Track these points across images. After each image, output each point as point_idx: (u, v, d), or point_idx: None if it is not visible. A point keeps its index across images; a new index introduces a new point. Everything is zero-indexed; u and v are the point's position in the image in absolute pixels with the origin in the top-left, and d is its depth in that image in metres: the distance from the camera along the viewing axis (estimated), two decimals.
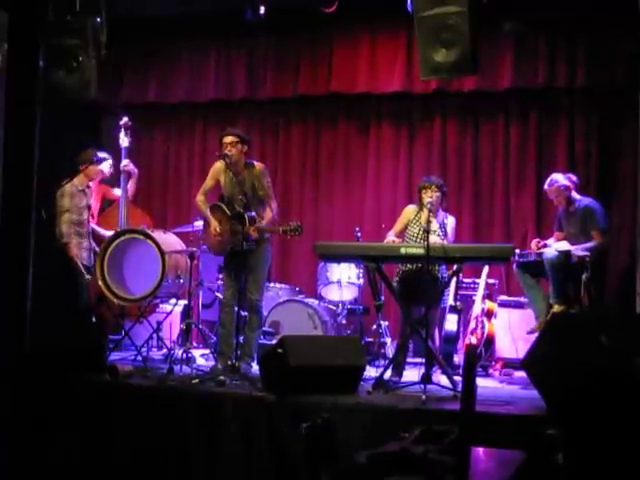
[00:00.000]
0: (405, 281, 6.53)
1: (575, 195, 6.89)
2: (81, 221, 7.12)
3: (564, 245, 6.71)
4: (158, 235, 7.08)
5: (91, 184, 7.31)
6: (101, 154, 7.40)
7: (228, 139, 6.63)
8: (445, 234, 6.58)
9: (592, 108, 8.09)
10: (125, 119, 7.65)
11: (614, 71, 7.57)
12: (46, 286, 6.86)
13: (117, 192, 7.59)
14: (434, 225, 6.48)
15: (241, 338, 6.62)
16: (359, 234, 7.72)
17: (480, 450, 4.03)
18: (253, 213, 6.41)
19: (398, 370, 6.42)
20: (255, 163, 6.80)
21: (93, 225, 7.35)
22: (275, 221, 6.60)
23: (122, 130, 7.61)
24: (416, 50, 6.58)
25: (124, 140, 7.57)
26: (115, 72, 8.73)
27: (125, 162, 7.50)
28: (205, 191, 6.81)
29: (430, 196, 6.52)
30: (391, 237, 6.60)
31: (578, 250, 6.61)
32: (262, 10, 7.68)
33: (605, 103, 7.96)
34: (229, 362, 6.38)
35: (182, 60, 8.96)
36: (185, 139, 9.44)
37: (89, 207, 7.22)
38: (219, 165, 6.76)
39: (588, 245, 6.65)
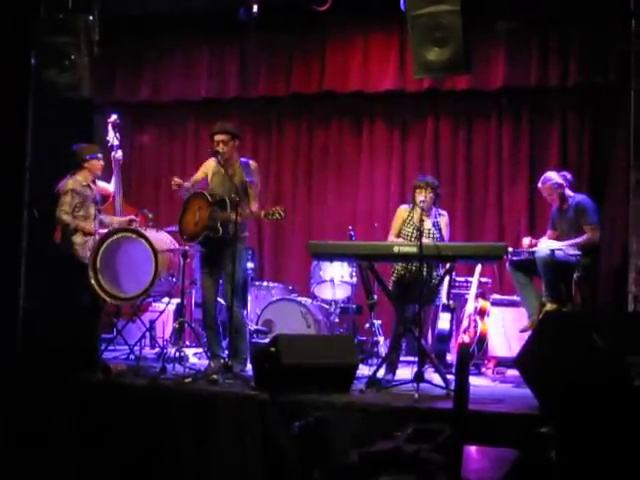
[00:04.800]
0: (400, 282, 6.55)
1: (568, 193, 6.90)
2: (86, 217, 7.05)
3: (555, 243, 6.73)
4: (151, 234, 7.07)
5: (95, 179, 7.25)
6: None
7: (220, 137, 6.60)
8: (440, 233, 6.60)
9: (584, 107, 8.10)
10: (114, 117, 7.64)
11: (606, 70, 7.56)
12: (40, 284, 6.85)
13: (108, 187, 7.58)
14: (427, 224, 6.49)
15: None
16: (352, 233, 7.72)
17: (473, 448, 4.04)
18: (237, 199, 6.32)
19: (391, 368, 6.43)
20: (250, 161, 6.80)
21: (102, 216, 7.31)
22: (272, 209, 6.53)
23: (111, 128, 7.60)
24: (409, 49, 6.57)
25: (113, 138, 7.57)
26: (107, 70, 8.71)
27: (119, 153, 7.51)
28: (194, 181, 6.81)
29: (424, 196, 6.54)
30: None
31: (569, 247, 6.63)
32: (255, 8, 7.67)
33: (597, 102, 7.97)
34: (222, 361, 6.38)
35: (175, 58, 8.94)
36: (178, 137, 9.43)
37: (96, 202, 7.15)
38: (211, 162, 6.76)
39: (579, 240, 6.66)
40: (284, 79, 8.69)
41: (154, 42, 8.93)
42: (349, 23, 8.43)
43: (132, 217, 7.30)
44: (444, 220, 6.72)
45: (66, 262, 6.99)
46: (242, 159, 6.77)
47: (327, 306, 7.90)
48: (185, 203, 6.72)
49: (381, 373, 6.28)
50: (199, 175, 6.83)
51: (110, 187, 7.58)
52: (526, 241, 6.92)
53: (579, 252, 6.61)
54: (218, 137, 6.59)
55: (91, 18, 6.62)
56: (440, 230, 6.63)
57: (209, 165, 6.79)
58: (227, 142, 6.58)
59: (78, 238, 6.99)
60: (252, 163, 6.81)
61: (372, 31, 8.40)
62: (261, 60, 8.72)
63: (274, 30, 8.53)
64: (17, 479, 5.85)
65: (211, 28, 8.68)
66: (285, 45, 8.68)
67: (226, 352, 6.51)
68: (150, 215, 7.38)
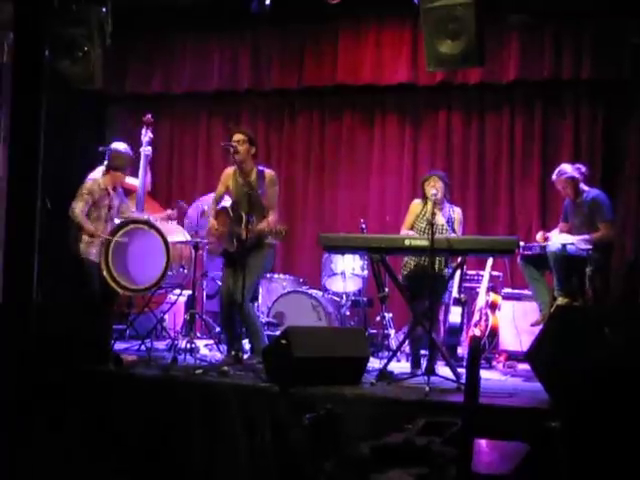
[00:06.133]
0: (411, 275, 6.55)
1: (583, 186, 6.84)
2: (98, 219, 7.01)
3: (568, 238, 6.70)
4: (163, 225, 7.08)
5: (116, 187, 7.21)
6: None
7: (237, 137, 6.62)
8: (452, 229, 6.58)
9: (597, 100, 8.06)
10: (148, 116, 7.69)
11: (619, 63, 7.53)
12: (52, 275, 6.87)
13: (136, 181, 7.60)
14: (440, 219, 6.46)
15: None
16: (363, 225, 7.72)
17: (483, 442, 4.04)
18: (252, 217, 6.40)
19: (416, 365, 6.47)
20: (266, 171, 6.76)
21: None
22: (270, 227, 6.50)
23: (144, 126, 7.63)
24: (422, 41, 6.56)
25: (146, 136, 7.60)
26: (120, 62, 8.72)
27: (148, 149, 7.57)
28: (216, 198, 6.85)
29: (434, 187, 6.51)
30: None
31: (581, 242, 6.60)
32: (267, 0, 7.66)
33: (610, 95, 7.93)
34: (233, 352, 6.42)
35: (187, 50, 8.94)
36: (189, 130, 9.43)
37: (110, 207, 7.02)
38: (229, 171, 6.77)
39: (593, 236, 6.63)
40: (296, 72, 8.68)
41: (166, 34, 8.93)
42: (361, 16, 8.42)
43: (169, 212, 7.36)
44: (458, 217, 6.70)
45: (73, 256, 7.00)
46: (259, 167, 6.76)
47: (338, 299, 7.91)
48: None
49: (392, 366, 6.27)
50: (221, 189, 6.81)
51: (137, 182, 7.60)
52: (540, 236, 6.90)
53: (591, 247, 6.59)
54: (236, 137, 6.63)
55: (104, 9, 6.63)
56: (453, 227, 6.61)
57: (227, 175, 6.77)
58: (242, 143, 6.58)
59: (86, 236, 6.97)
60: (268, 172, 6.73)
61: (385, 24, 8.39)
62: (273, 53, 8.73)
63: (286, 23, 8.53)
64: (29, 470, 5.88)
65: (223, 20, 8.67)
66: (297, 38, 8.68)
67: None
68: (186, 206, 7.48)
